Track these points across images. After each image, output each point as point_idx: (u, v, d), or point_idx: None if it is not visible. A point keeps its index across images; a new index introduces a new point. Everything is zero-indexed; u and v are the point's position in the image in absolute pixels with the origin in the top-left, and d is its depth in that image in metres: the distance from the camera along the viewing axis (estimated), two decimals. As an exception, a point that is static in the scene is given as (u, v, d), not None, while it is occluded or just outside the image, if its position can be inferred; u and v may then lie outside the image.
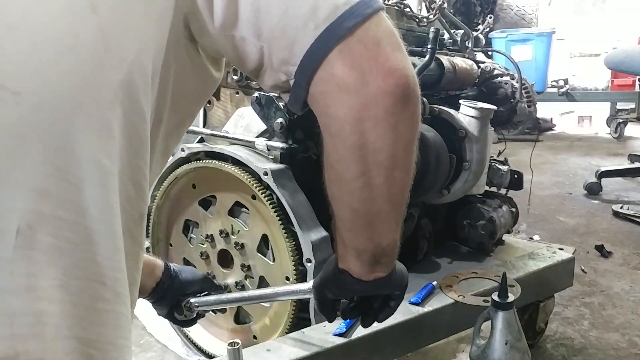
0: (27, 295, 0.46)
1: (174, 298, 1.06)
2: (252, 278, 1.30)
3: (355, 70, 0.53)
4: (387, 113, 0.55)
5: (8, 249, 0.45)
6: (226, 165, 1.23)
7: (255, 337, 1.33)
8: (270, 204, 1.18)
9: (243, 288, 1.32)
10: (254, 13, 0.55)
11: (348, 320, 1.09)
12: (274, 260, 1.24)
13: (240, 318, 1.39)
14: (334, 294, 0.78)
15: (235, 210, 1.30)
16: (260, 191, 1.18)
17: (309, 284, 0.88)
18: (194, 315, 1.09)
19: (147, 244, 1.46)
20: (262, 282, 1.29)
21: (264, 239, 1.25)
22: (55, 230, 0.47)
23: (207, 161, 1.28)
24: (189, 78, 0.62)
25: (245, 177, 1.20)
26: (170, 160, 1.37)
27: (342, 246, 0.72)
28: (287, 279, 1.20)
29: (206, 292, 1.08)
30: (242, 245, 1.28)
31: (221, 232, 1.31)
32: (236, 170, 1.21)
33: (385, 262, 0.72)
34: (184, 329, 1.47)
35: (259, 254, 1.26)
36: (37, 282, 0.46)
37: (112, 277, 0.51)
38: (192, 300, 1.06)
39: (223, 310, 1.32)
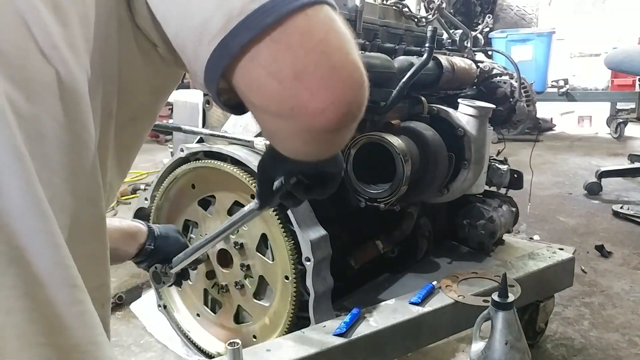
0: None
1: (157, 261, 1.09)
2: (252, 277, 1.30)
3: (272, 105, 0.46)
4: (319, 139, 0.48)
5: None
6: (225, 165, 1.23)
7: (255, 337, 1.33)
8: (269, 204, 1.18)
9: (243, 288, 1.32)
10: (160, 16, 0.50)
11: (348, 320, 1.09)
12: (273, 260, 1.24)
13: (240, 318, 1.39)
14: (275, 170, 0.74)
15: (234, 209, 1.30)
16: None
17: (253, 202, 0.87)
18: (173, 280, 1.11)
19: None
20: (262, 282, 1.29)
21: (263, 238, 1.25)
22: (6, 237, 0.43)
23: (206, 161, 1.28)
24: (139, 69, 0.57)
25: (244, 176, 1.20)
26: (170, 160, 1.37)
27: None
28: (287, 277, 1.20)
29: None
30: (242, 245, 1.28)
31: (220, 232, 1.31)
32: (235, 170, 1.21)
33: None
34: (184, 328, 1.46)
35: (258, 254, 1.26)
36: None
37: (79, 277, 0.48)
38: (168, 266, 1.09)
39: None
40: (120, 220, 1.05)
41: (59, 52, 0.46)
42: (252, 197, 1.22)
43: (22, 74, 0.45)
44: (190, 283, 1.41)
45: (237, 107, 0.53)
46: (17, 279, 0.43)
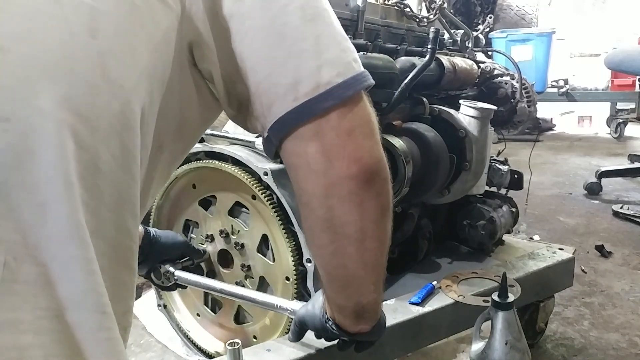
0: (12, 329, 0.44)
1: (154, 262, 1.11)
2: (252, 278, 1.30)
3: (325, 155, 0.57)
4: (351, 193, 0.58)
5: None
6: (226, 165, 1.23)
7: (255, 338, 1.33)
8: (270, 204, 1.17)
9: (244, 286, 1.32)
10: (242, 64, 0.57)
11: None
12: (274, 261, 1.24)
13: (240, 318, 1.39)
14: (316, 332, 0.86)
15: (235, 210, 1.30)
16: (261, 191, 1.18)
17: (292, 306, 0.94)
18: (171, 284, 1.13)
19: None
20: (262, 282, 1.29)
21: (264, 239, 1.25)
22: (40, 260, 0.45)
23: (207, 161, 1.28)
24: (194, 105, 0.62)
25: (245, 177, 1.20)
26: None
27: (326, 297, 0.78)
28: (287, 279, 1.20)
29: (187, 258, 1.14)
30: (242, 245, 1.28)
31: (221, 232, 1.31)
32: (236, 170, 1.21)
33: (369, 317, 0.76)
34: (184, 328, 1.47)
35: (259, 254, 1.26)
36: (20, 315, 0.45)
37: (109, 304, 0.50)
38: (174, 271, 1.10)
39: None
40: None
41: (125, 93, 0.50)
42: (253, 197, 1.22)
43: (91, 109, 0.48)
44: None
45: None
46: (50, 301, 0.46)
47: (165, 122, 0.57)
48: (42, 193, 0.45)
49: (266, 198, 1.17)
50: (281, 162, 1.20)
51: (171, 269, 1.10)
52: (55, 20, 0.46)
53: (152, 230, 1.11)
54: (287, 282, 1.20)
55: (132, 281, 0.57)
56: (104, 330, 0.48)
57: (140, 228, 1.07)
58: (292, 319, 1.21)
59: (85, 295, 0.47)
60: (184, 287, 1.22)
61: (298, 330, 0.93)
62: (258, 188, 1.18)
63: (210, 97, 0.63)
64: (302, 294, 1.19)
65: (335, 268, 0.67)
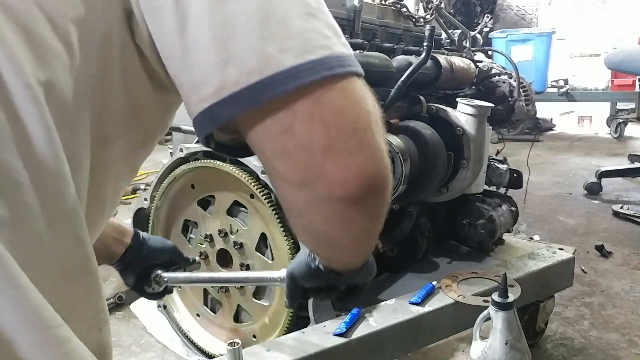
0: None
1: (141, 266, 1.05)
2: (252, 277, 1.30)
3: (297, 174, 0.46)
4: (337, 212, 0.47)
5: None
6: (224, 165, 1.23)
7: (255, 337, 1.33)
8: (268, 203, 1.17)
9: (242, 287, 1.32)
10: (158, 49, 0.48)
11: (348, 320, 1.09)
12: (272, 259, 1.24)
13: (240, 318, 1.39)
14: (306, 281, 0.79)
15: (233, 209, 1.30)
16: (259, 190, 1.18)
17: (280, 273, 0.89)
18: (162, 289, 1.08)
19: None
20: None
21: (263, 238, 1.25)
22: None
23: (205, 161, 1.28)
24: (146, 88, 0.53)
25: (244, 176, 1.20)
26: (169, 160, 1.37)
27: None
28: (286, 278, 1.20)
29: (176, 267, 1.09)
30: (241, 245, 1.28)
31: (220, 231, 1.31)
32: (234, 170, 1.21)
33: (357, 264, 0.71)
34: (184, 328, 1.46)
35: (258, 253, 1.26)
36: None
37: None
38: (163, 274, 1.06)
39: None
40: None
41: (33, 92, 0.43)
42: (251, 196, 1.22)
43: None
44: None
45: (243, 149, 0.52)
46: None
47: (106, 112, 0.51)
48: None
49: (264, 197, 1.17)
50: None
51: (160, 272, 1.06)
52: None
53: (142, 234, 1.06)
54: None
55: (96, 284, 0.53)
56: (57, 346, 0.44)
57: (130, 229, 1.04)
58: (290, 317, 1.22)
59: (21, 316, 0.42)
60: (171, 293, 1.19)
61: (291, 289, 0.83)
62: (256, 187, 1.18)
63: (165, 78, 0.53)
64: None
65: (321, 251, 0.63)
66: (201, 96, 0.45)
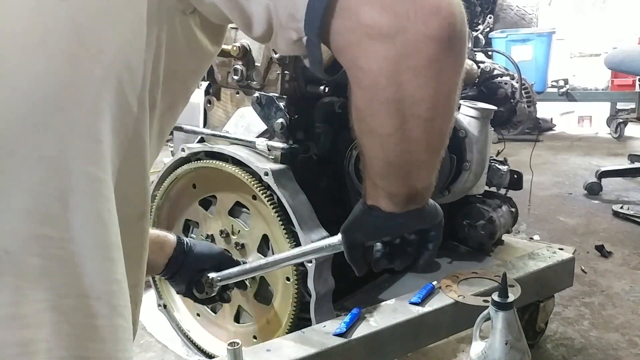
0: (11, 324, 0.42)
1: (190, 273, 1.03)
2: (253, 278, 1.30)
3: (388, 15, 0.45)
4: (430, 61, 0.47)
5: None
6: (227, 165, 1.23)
7: (255, 338, 1.33)
8: (270, 204, 1.18)
9: (243, 288, 1.32)
10: None
11: (348, 321, 1.09)
12: None
13: (240, 318, 1.39)
14: (365, 234, 0.72)
15: (235, 210, 1.30)
16: (261, 191, 1.18)
17: (337, 236, 0.81)
18: (215, 292, 1.06)
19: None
20: (263, 282, 1.29)
21: (265, 239, 1.25)
22: (42, 249, 0.43)
23: (207, 161, 1.28)
24: (183, 55, 0.57)
25: (246, 177, 1.20)
26: (171, 160, 1.37)
27: (372, 187, 0.66)
28: (288, 279, 1.20)
29: (225, 269, 1.06)
30: (243, 245, 1.28)
31: (221, 232, 1.31)
32: (237, 171, 1.21)
33: (419, 200, 0.67)
34: (184, 328, 1.47)
35: (260, 254, 1.26)
36: (21, 309, 0.42)
37: (106, 290, 0.47)
38: (212, 275, 1.03)
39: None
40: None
41: (107, 57, 0.46)
42: (254, 197, 1.22)
43: (72, 80, 0.44)
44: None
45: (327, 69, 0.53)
46: (47, 293, 0.44)
47: (154, 77, 0.53)
48: (60, 186, 0.43)
49: (267, 198, 1.18)
50: (281, 162, 1.21)
51: (212, 275, 1.04)
52: None
53: (186, 240, 1.05)
54: (288, 282, 1.20)
55: (142, 254, 0.55)
56: (99, 317, 0.46)
57: (173, 237, 1.03)
58: (292, 319, 1.22)
59: (99, 284, 0.45)
60: (228, 300, 1.15)
61: (350, 248, 0.76)
62: (258, 188, 1.18)
63: (199, 47, 0.57)
64: (302, 294, 1.20)
65: (398, 156, 0.57)
66: None
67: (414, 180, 0.62)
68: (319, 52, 0.50)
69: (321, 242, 0.92)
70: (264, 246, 1.27)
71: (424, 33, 0.45)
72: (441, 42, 0.46)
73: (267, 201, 1.18)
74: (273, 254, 1.24)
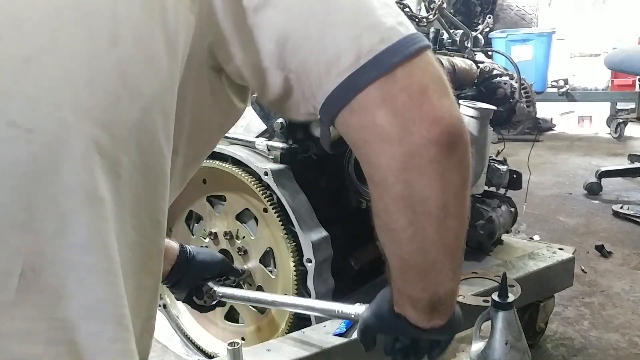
0: (25, 339, 0.44)
1: (192, 282, 1.05)
2: (250, 285, 1.29)
3: (399, 121, 0.51)
4: (433, 162, 0.52)
5: (10, 292, 0.43)
6: (243, 174, 1.22)
7: (243, 339, 1.32)
8: (270, 204, 1.17)
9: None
10: (278, 47, 0.54)
11: (348, 320, 1.09)
12: (275, 276, 1.23)
13: (231, 317, 1.38)
14: (385, 333, 0.77)
15: (243, 215, 1.28)
16: (272, 207, 1.17)
17: (356, 309, 0.86)
18: (214, 303, 1.08)
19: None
20: (260, 291, 1.29)
21: (269, 251, 1.24)
22: (58, 270, 0.45)
23: (221, 164, 1.26)
24: (209, 109, 0.60)
25: (259, 189, 1.18)
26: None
27: (396, 291, 0.70)
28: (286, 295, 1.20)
29: (225, 277, 1.09)
30: (245, 251, 1.27)
31: (225, 233, 1.30)
32: (251, 180, 1.20)
33: (444, 310, 0.69)
34: (184, 329, 1.47)
35: (261, 265, 1.26)
36: (36, 324, 0.44)
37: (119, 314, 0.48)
38: (217, 289, 1.06)
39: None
40: None
41: (145, 100, 0.49)
42: (265, 210, 1.20)
43: (112, 118, 0.47)
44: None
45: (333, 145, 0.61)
46: (65, 312, 0.45)
47: (178, 124, 0.56)
48: (63, 204, 0.45)
49: (277, 214, 1.17)
50: (281, 162, 1.20)
51: (214, 287, 1.06)
52: (78, 28, 0.46)
53: (188, 247, 1.06)
54: None
55: (156, 287, 0.56)
56: (119, 341, 0.47)
57: (175, 245, 1.04)
58: (288, 330, 1.21)
59: (103, 306, 0.46)
60: (224, 305, 1.18)
61: (364, 334, 0.80)
62: (270, 202, 1.17)
63: (226, 102, 0.61)
64: (302, 294, 1.19)
65: (413, 254, 0.60)
66: (340, 69, 0.51)
67: (433, 284, 0.64)
68: (329, 132, 0.57)
69: (336, 305, 0.95)
70: (267, 258, 1.26)
71: (427, 138, 0.51)
72: (442, 146, 0.52)
73: (267, 201, 1.17)
74: (275, 268, 1.23)
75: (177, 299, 1.10)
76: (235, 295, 1.07)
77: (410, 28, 0.54)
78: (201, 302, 1.08)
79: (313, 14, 0.53)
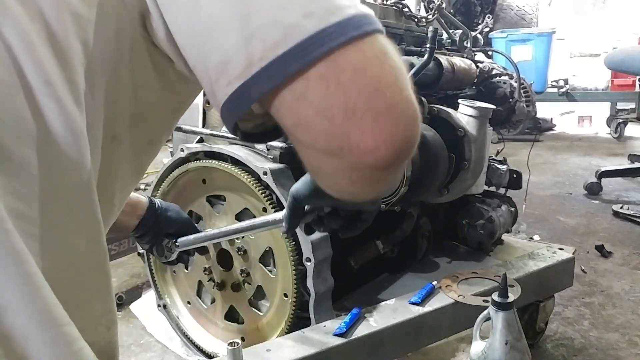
0: None
1: (157, 235, 1.08)
2: (250, 284, 1.29)
3: (320, 143, 0.43)
4: (365, 177, 0.45)
5: None
6: (241, 173, 1.21)
7: (243, 340, 1.32)
8: (269, 204, 1.17)
9: (239, 290, 1.32)
10: (172, 42, 0.47)
11: (348, 320, 1.09)
12: (275, 275, 1.23)
13: (231, 317, 1.38)
14: (310, 202, 0.74)
15: (243, 215, 1.28)
16: (272, 206, 1.17)
17: (280, 213, 0.87)
18: (174, 257, 1.11)
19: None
20: (259, 291, 1.28)
21: (268, 251, 1.24)
22: None
23: (219, 163, 1.25)
24: (153, 88, 0.53)
25: (258, 189, 1.18)
26: (170, 160, 1.37)
27: None
28: (286, 295, 1.20)
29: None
30: (245, 251, 1.27)
31: (225, 233, 1.30)
32: (249, 180, 1.19)
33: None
34: (184, 328, 1.46)
35: (261, 264, 1.26)
36: None
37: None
38: (175, 240, 1.09)
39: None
40: None
41: (54, 89, 0.44)
42: (264, 210, 1.19)
43: (9, 112, 0.42)
44: (186, 272, 1.41)
45: (268, 134, 0.53)
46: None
47: (116, 111, 0.51)
48: None
49: (265, 197, 1.17)
50: (280, 162, 1.20)
51: (172, 240, 1.09)
52: None
53: (158, 201, 1.08)
54: (285, 298, 1.20)
55: (107, 282, 0.54)
56: (66, 344, 0.44)
57: (145, 198, 1.06)
58: (287, 330, 1.21)
59: (32, 317, 0.42)
60: (187, 263, 1.20)
61: (292, 209, 0.76)
62: (269, 202, 1.17)
63: (175, 77, 0.53)
64: (302, 294, 1.19)
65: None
66: (229, 78, 0.42)
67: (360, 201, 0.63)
68: (240, 136, 0.53)
69: (269, 216, 0.96)
70: (267, 257, 1.25)
71: (357, 166, 0.43)
72: (376, 169, 0.43)
73: (266, 200, 1.17)
74: (275, 267, 1.23)
75: (142, 248, 1.13)
76: (188, 240, 1.08)
77: (325, 18, 0.40)
78: (162, 258, 1.11)
79: (197, 8, 0.43)
